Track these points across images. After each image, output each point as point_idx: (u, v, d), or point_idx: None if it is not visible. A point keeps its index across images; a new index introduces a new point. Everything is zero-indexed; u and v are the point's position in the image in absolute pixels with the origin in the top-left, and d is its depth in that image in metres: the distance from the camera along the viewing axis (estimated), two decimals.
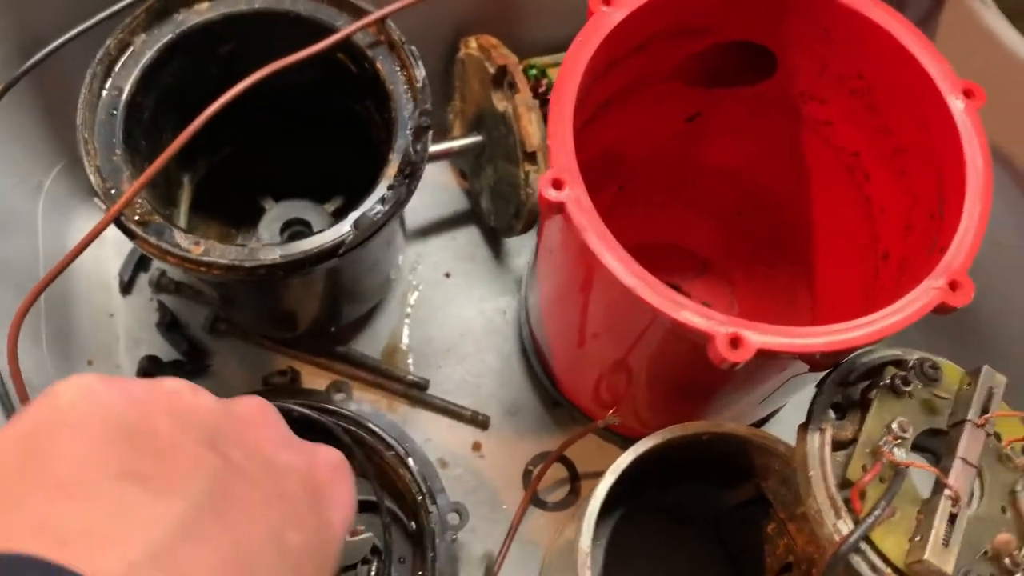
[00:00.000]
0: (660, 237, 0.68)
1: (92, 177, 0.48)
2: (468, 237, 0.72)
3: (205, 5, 0.53)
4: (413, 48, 0.52)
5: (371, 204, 0.49)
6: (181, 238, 0.48)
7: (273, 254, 0.47)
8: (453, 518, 0.57)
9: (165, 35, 0.52)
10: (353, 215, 0.48)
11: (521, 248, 0.71)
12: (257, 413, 0.32)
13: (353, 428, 0.56)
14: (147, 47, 0.52)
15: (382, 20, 0.52)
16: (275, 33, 0.54)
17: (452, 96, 0.69)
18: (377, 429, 0.56)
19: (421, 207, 0.72)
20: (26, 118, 0.60)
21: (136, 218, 0.48)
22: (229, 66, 0.54)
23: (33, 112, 0.60)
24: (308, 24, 0.54)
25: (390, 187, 0.49)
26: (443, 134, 0.71)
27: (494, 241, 0.71)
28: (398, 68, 0.53)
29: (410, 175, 0.49)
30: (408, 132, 0.50)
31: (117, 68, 0.51)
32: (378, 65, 0.53)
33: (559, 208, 0.42)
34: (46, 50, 0.49)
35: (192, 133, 0.46)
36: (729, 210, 0.65)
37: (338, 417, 0.56)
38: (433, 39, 0.66)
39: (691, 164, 0.63)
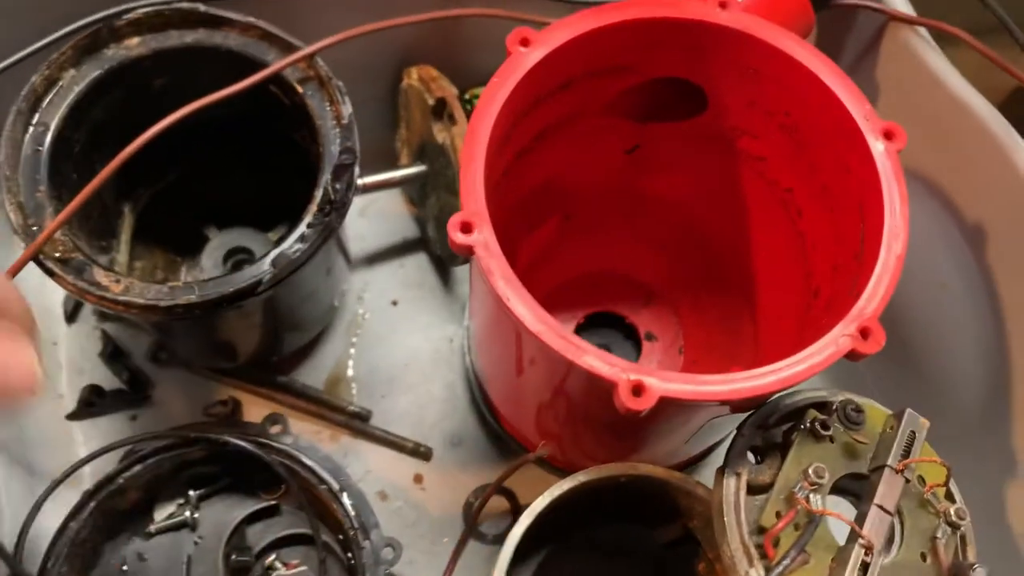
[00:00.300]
0: (606, 266, 0.68)
1: (12, 215, 0.48)
2: (416, 264, 0.71)
3: (135, 40, 0.53)
4: (340, 84, 0.52)
5: (291, 243, 0.48)
6: (101, 276, 0.48)
7: (191, 294, 0.47)
8: (387, 553, 0.57)
9: (94, 71, 0.52)
10: (272, 253, 0.48)
11: (467, 277, 0.71)
12: None
13: (287, 462, 0.56)
14: (75, 83, 0.52)
15: (311, 56, 0.52)
16: (206, 67, 0.54)
17: (399, 124, 0.69)
18: (311, 463, 0.56)
19: (370, 234, 0.71)
20: None
21: (56, 255, 0.48)
22: (162, 99, 0.54)
23: None
24: (239, 58, 0.54)
25: (309, 225, 0.49)
26: (392, 161, 0.71)
27: (442, 268, 0.71)
28: (327, 104, 0.53)
29: (331, 212, 0.49)
30: (330, 170, 0.50)
31: (44, 104, 0.51)
32: (307, 100, 0.53)
33: (468, 250, 0.41)
34: None
35: (102, 180, 0.47)
36: (674, 240, 0.65)
37: (272, 451, 0.56)
38: (378, 68, 0.66)
39: (635, 195, 0.63)
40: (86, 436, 0.63)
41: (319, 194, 0.49)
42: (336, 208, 0.49)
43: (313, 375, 0.66)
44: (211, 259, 0.65)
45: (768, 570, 0.41)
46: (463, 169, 0.43)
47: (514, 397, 0.59)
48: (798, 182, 0.52)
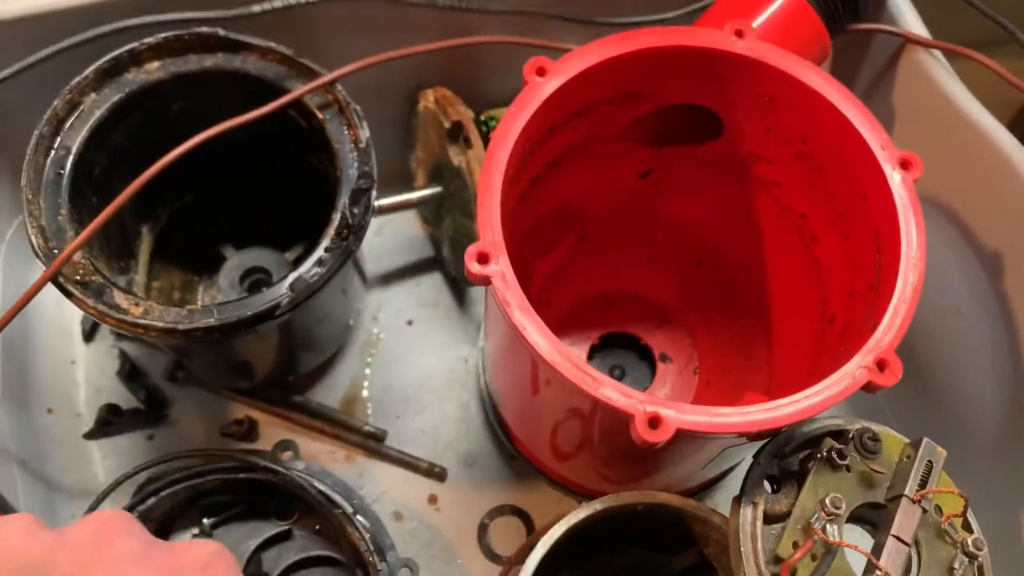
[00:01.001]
0: (621, 287, 0.68)
1: (33, 238, 0.48)
2: (432, 284, 0.72)
3: (155, 64, 0.54)
4: (358, 109, 0.53)
5: (308, 267, 0.49)
6: (120, 299, 0.48)
7: (210, 317, 0.47)
8: (404, 574, 0.57)
9: (115, 95, 0.53)
10: (290, 277, 0.48)
11: (483, 297, 0.71)
12: (100, 533, 0.30)
13: (300, 488, 0.56)
14: (97, 106, 0.53)
15: (332, 82, 0.52)
16: (225, 91, 0.54)
17: (414, 146, 0.69)
18: (324, 488, 0.56)
19: (385, 254, 0.72)
20: None
21: (76, 278, 0.48)
22: (181, 122, 0.55)
23: None
24: (257, 83, 0.54)
25: (327, 249, 0.49)
26: (408, 182, 0.71)
27: (457, 289, 0.71)
28: (345, 128, 0.53)
29: (348, 236, 0.49)
30: (348, 194, 0.50)
31: (66, 128, 0.52)
32: (326, 124, 0.53)
33: (485, 281, 0.42)
34: None
35: (120, 204, 0.47)
36: (689, 262, 0.65)
37: (284, 478, 0.56)
38: (395, 91, 0.66)
39: (649, 217, 0.63)
40: (103, 454, 0.64)
41: (337, 218, 0.50)
42: (354, 232, 0.49)
43: (329, 394, 0.67)
44: (228, 279, 0.65)
45: None
46: (480, 199, 0.43)
47: (528, 420, 0.59)
48: (813, 208, 0.52)
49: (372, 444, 0.65)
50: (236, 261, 0.66)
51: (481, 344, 0.67)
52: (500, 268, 0.41)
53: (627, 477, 0.57)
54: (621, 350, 0.67)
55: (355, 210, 0.49)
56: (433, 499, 0.64)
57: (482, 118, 0.66)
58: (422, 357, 0.69)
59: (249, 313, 0.47)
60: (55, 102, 0.51)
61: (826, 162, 0.49)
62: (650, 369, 0.67)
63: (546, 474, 0.63)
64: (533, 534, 0.63)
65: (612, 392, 0.39)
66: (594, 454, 0.55)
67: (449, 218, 0.65)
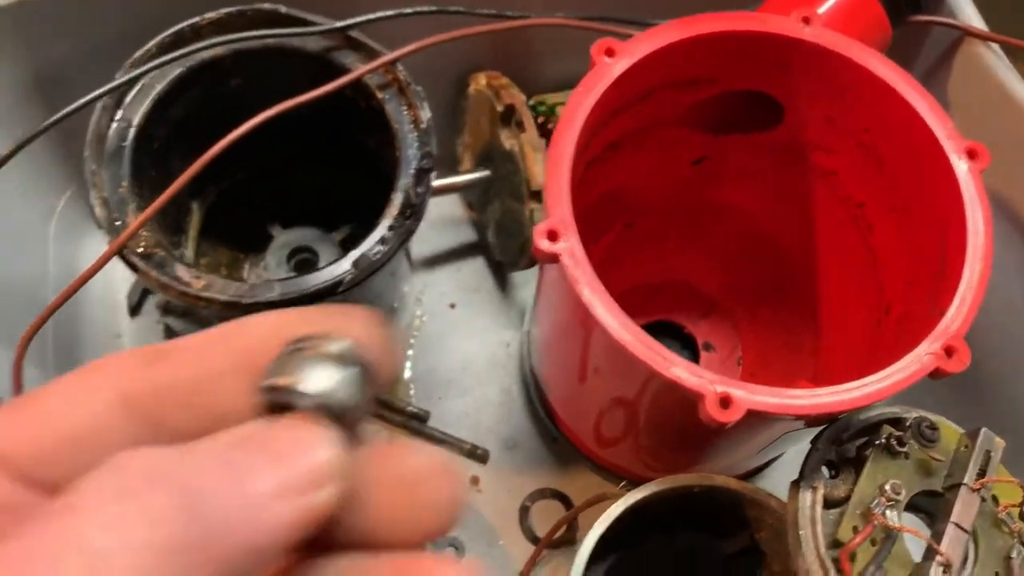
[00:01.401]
0: (667, 276, 0.68)
1: (97, 209, 0.49)
2: (474, 268, 0.72)
3: (215, 39, 0.54)
4: (420, 89, 0.53)
5: (371, 244, 0.49)
6: (183, 272, 0.48)
7: (272, 292, 0.47)
8: (450, 552, 0.57)
9: (176, 69, 0.53)
10: (353, 254, 0.48)
11: (527, 282, 0.71)
12: None
13: None
14: (158, 80, 0.53)
15: (392, 62, 0.53)
16: (284, 68, 0.55)
17: (462, 130, 0.69)
18: None
19: (429, 237, 0.72)
20: (41, 143, 0.61)
21: (140, 250, 0.49)
22: (238, 98, 0.55)
23: (47, 137, 0.61)
24: (317, 61, 0.54)
25: (390, 227, 0.49)
26: (453, 166, 0.71)
27: (500, 273, 0.71)
28: (404, 108, 0.53)
29: (411, 216, 0.50)
30: (410, 174, 0.50)
31: (127, 100, 0.52)
32: (385, 105, 0.53)
33: (553, 258, 0.42)
34: (70, 108, 0.49)
35: (192, 175, 0.47)
36: (736, 252, 0.65)
37: None
38: (444, 74, 0.67)
39: (699, 205, 0.63)
40: None
41: (399, 197, 0.50)
42: (415, 211, 0.50)
43: None
44: (275, 257, 0.65)
45: None
46: (548, 177, 0.43)
47: (577, 403, 0.59)
48: (872, 198, 0.52)
49: (415, 424, 0.64)
50: (283, 239, 0.66)
51: (526, 328, 0.67)
52: (570, 245, 0.41)
53: (674, 464, 0.57)
54: (665, 338, 0.67)
55: (418, 190, 0.49)
56: (475, 481, 0.64)
57: (531, 103, 0.66)
58: (464, 341, 0.69)
59: (312, 288, 0.47)
60: (118, 74, 0.51)
61: (888, 151, 0.49)
62: (693, 358, 0.67)
63: (590, 458, 0.63)
64: (568, 512, 0.63)
65: (683, 372, 0.39)
66: (644, 439, 0.55)
67: (497, 202, 0.65)
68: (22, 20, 0.54)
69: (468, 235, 0.73)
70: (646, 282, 0.67)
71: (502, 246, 0.67)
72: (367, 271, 0.48)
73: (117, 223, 0.49)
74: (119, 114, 0.52)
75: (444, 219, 0.73)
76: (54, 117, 0.48)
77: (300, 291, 0.47)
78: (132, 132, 0.52)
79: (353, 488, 0.21)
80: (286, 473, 0.19)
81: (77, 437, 0.21)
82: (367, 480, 0.22)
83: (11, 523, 0.18)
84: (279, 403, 0.21)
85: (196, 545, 0.17)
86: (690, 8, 0.49)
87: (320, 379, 0.21)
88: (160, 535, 0.17)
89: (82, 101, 0.49)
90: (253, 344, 0.22)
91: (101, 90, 0.49)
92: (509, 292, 0.71)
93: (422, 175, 0.50)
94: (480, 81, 0.64)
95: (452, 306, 0.70)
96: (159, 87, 0.53)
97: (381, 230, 0.49)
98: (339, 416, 0.21)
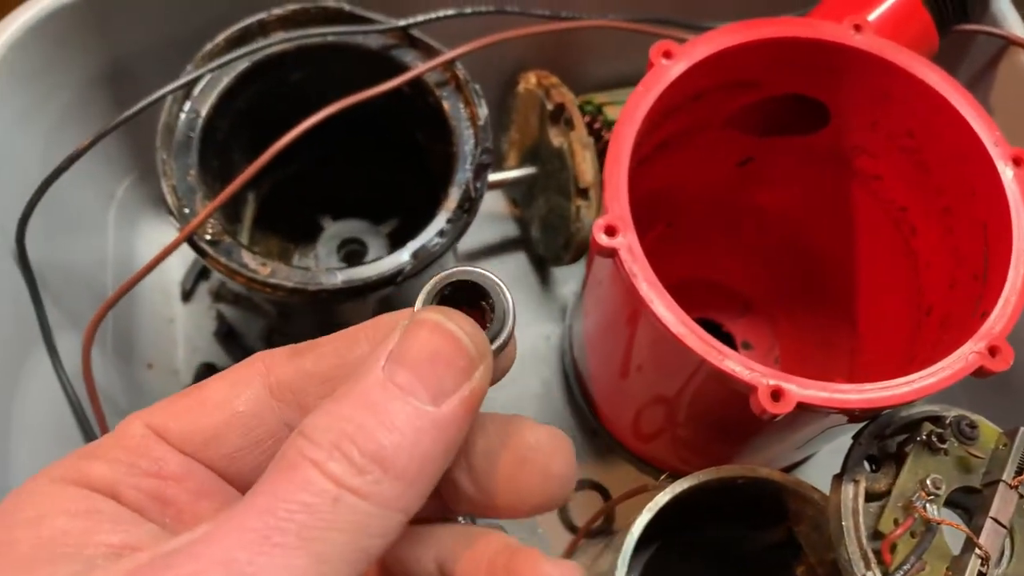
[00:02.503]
0: (705, 274, 0.69)
1: (168, 197, 0.51)
2: (516, 263, 0.74)
3: (280, 35, 0.56)
4: (477, 87, 0.54)
5: (430, 236, 0.51)
6: (249, 259, 0.50)
7: (335, 279, 0.49)
8: None
9: (243, 63, 0.55)
10: (412, 245, 0.50)
11: (568, 277, 0.73)
12: None
13: None
14: (224, 74, 0.55)
15: (451, 61, 0.54)
16: (344, 64, 0.56)
17: (508, 127, 0.71)
18: None
19: (473, 232, 0.72)
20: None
21: (208, 237, 0.51)
22: (298, 92, 0.57)
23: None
24: (376, 58, 0.56)
25: (449, 220, 0.51)
26: (498, 164, 0.73)
27: (541, 269, 0.73)
28: (462, 105, 0.55)
29: (468, 210, 0.51)
30: (469, 168, 0.52)
31: (195, 93, 0.54)
32: (444, 102, 0.55)
33: (611, 253, 0.43)
34: (141, 104, 0.51)
35: (262, 164, 0.49)
36: (776, 252, 0.67)
37: None
38: (493, 72, 0.68)
39: (740, 206, 0.64)
40: None
41: (457, 192, 0.52)
42: (472, 205, 0.51)
43: None
44: (326, 248, 0.67)
45: (887, 574, 0.42)
46: (607, 174, 0.45)
47: (618, 398, 0.61)
48: (914, 202, 0.53)
49: None
50: (333, 231, 0.68)
51: (568, 323, 0.69)
52: (627, 241, 0.43)
53: (711, 459, 0.58)
54: None
55: (477, 184, 0.51)
56: None
57: (578, 103, 0.67)
58: None
59: (374, 277, 0.49)
60: (188, 67, 0.53)
61: (933, 157, 0.50)
62: None
63: (628, 451, 0.64)
64: (609, 502, 0.64)
65: (737, 365, 0.41)
66: (684, 433, 0.57)
67: (542, 198, 0.67)
68: (98, 14, 0.56)
69: (511, 231, 0.75)
70: (685, 280, 0.69)
71: (546, 241, 0.68)
72: (425, 261, 0.50)
73: (186, 211, 0.51)
74: (187, 105, 0.54)
75: (488, 215, 0.74)
76: (132, 109, 0.50)
77: (363, 279, 0.49)
78: (200, 123, 0.54)
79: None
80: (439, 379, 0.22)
81: (236, 420, 0.25)
82: (488, 448, 0.24)
83: (192, 497, 0.23)
84: None
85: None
86: (739, 12, 0.51)
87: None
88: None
89: (157, 94, 0.51)
90: (384, 335, 0.24)
91: (175, 84, 0.51)
92: (550, 287, 0.73)
93: (481, 170, 0.52)
94: (530, 80, 0.65)
95: None
96: (225, 80, 0.55)
97: (439, 223, 0.51)
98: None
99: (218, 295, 0.69)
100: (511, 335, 0.25)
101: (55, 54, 0.56)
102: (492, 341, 0.24)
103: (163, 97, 0.51)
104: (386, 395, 0.21)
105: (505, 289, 0.24)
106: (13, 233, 0.52)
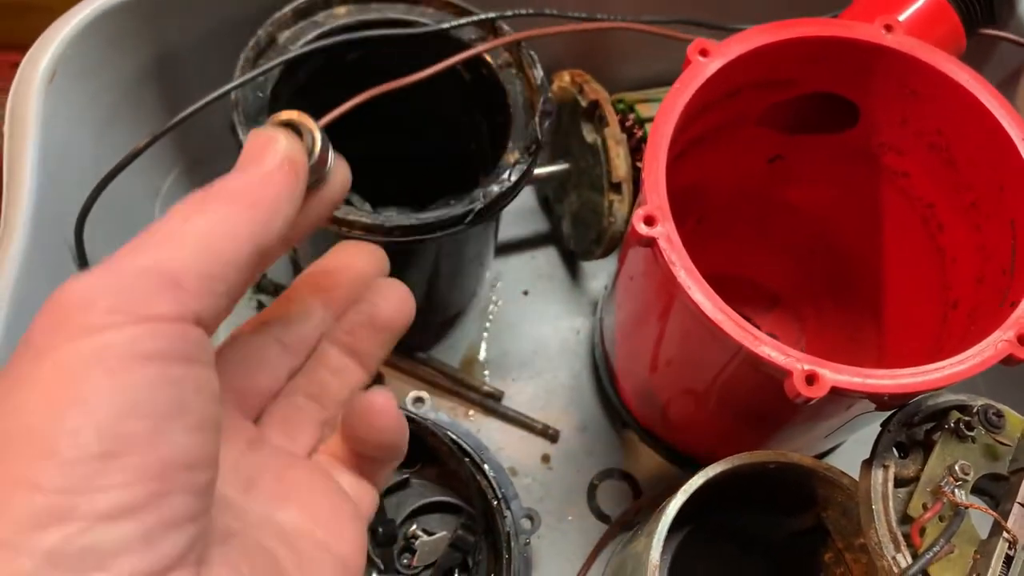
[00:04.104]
0: (734, 270, 0.71)
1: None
2: (547, 258, 0.75)
3: (343, 9, 0.57)
4: (532, 53, 0.56)
5: (498, 176, 0.52)
6: None
7: (408, 220, 0.50)
8: (526, 523, 0.60)
9: (308, 33, 0.56)
10: (480, 190, 0.51)
11: (598, 271, 0.74)
12: None
13: (432, 435, 0.59)
14: (290, 42, 0.56)
15: (515, 42, 0.55)
16: (400, 42, 0.58)
17: None
18: (455, 437, 0.60)
19: (505, 226, 0.75)
20: (151, 126, 0.65)
21: None
22: (354, 66, 0.58)
23: (159, 120, 0.65)
24: (433, 35, 0.57)
25: (516, 162, 0.52)
26: None
27: (572, 263, 0.75)
28: (514, 71, 0.56)
29: (533, 153, 0.53)
30: (534, 120, 0.54)
31: (263, 59, 0.55)
32: (497, 72, 0.56)
33: (650, 243, 0.45)
34: (192, 108, 0.51)
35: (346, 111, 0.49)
36: (803, 249, 0.68)
37: (420, 425, 0.59)
38: None
39: (769, 203, 0.66)
40: None
41: (521, 139, 0.53)
42: (538, 149, 0.53)
43: (448, 355, 0.71)
44: None
45: (916, 557, 0.43)
46: (647, 167, 0.46)
47: (650, 389, 0.62)
48: (942, 198, 0.55)
49: (490, 403, 0.68)
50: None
51: (598, 316, 0.70)
52: (666, 230, 0.45)
53: (743, 448, 0.60)
54: None
55: (544, 126, 0.53)
56: (546, 458, 0.67)
57: (610, 101, 0.69)
58: (537, 326, 0.72)
59: (446, 217, 0.50)
60: (259, 31, 0.54)
61: (961, 153, 0.52)
62: None
63: (659, 442, 0.66)
64: (641, 498, 0.66)
65: (772, 350, 0.42)
66: (717, 423, 0.58)
67: (575, 194, 0.69)
68: (149, 11, 0.58)
69: (542, 226, 0.76)
70: (714, 275, 0.69)
71: (577, 236, 0.70)
72: (493, 204, 0.51)
73: None
74: (256, 70, 0.54)
75: (520, 211, 0.76)
76: (192, 108, 0.51)
77: (435, 218, 0.50)
78: (268, 87, 0.54)
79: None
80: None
81: None
82: None
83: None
84: None
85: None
86: (771, 13, 0.52)
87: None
88: None
89: (223, 89, 0.51)
90: None
91: (245, 76, 0.52)
92: (580, 281, 0.74)
93: (545, 116, 0.53)
94: (564, 78, 0.67)
95: (525, 293, 0.74)
96: (293, 49, 0.55)
97: (505, 167, 0.52)
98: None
99: (259, 286, 0.71)
100: (323, 146, 0.31)
101: (107, 52, 0.58)
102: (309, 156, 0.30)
103: (226, 94, 0.52)
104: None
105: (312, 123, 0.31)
106: (71, 230, 0.54)
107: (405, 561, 0.60)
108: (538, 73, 0.55)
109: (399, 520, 0.61)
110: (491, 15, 0.56)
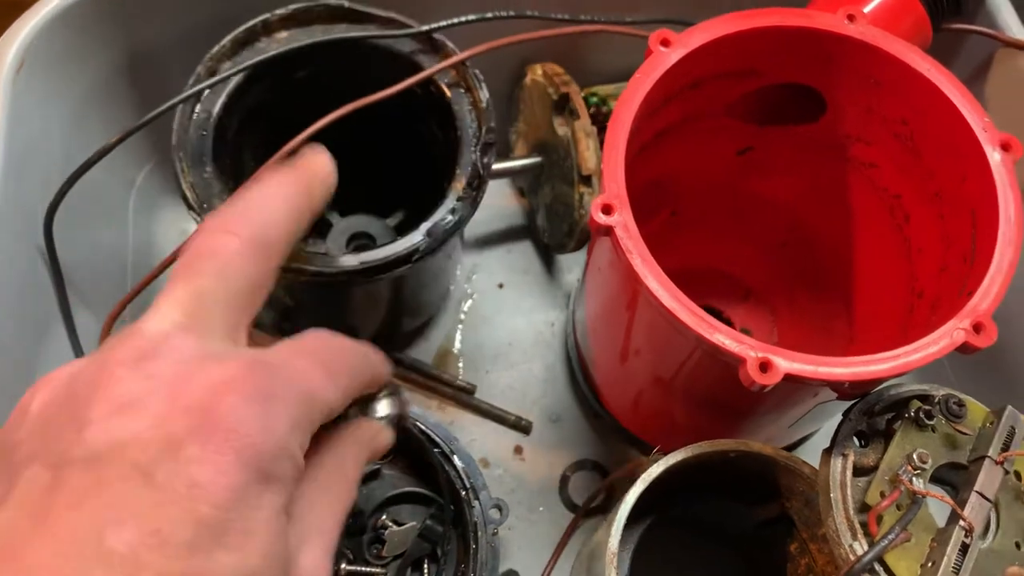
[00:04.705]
0: (707, 263, 0.71)
1: (188, 193, 0.52)
2: (523, 251, 0.75)
3: (284, 34, 0.58)
4: (477, 72, 0.56)
5: (442, 215, 0.52)
6: None
7: (354, 262, 0.51)
8: (495, 513, 0.60)
9: (249, 61, 0.56)
10: (425, 225, 0.52)
11: (572, 265, 0.75)
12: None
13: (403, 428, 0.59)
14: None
15: (462, 62, 0.56)
16: (350, 60, 0.58)
17: (516, 119, 0.73)
18: (425, 428, 0.60)
19: (481, 220, 0.75)
20: (125, 122, 0.65)
21: None
22: (302, 90, 0.59)
23: (132, 116, 0.65)
24: (380, 53, 0.58)
25: (459, 199, 0.53)
26: (506, 153, 0.75)
27: (547, 257, 0.75)
28: (463, 91, 0.57)
29: (477, 188, 0.53)
30: (475, 149, 0.54)
31: (206, 93, 0.55)
32: (446, 90, 0.57)
33: (607, 231, 0.45)
34: (164, 107, 0.53)
35: (295, 146, 0.50)
36: (774, 241, 0.68)
37: None
38: (501, 65, 0.70)
39: (740, 195, 0.66)
40: None
41: (465, 172, 0.53)
42: (481, 182, 0.53)
43: (423, 347, 0.71)
44: (336, 243, 0.69)
45: (872, 544, 0.44)
46: (605, 156, 0.46)
47: (619, 381, 0.62)
48: (908, 188, 0.55)
49: (463, 397, 0.68)
50: (342, 226, 0.70)
51: (571, 309, 0.70)
52: (623, 219, 0.45)
53: (712, 439, 0.60)
54: None
55: (484, 160, 0.53)
56: (518, 450, 0.68)
57: (583, 94, 0.69)
58: (511, 319, 0.72)
59: (392, 257, 0.51)
60: (198, 68, 0.55)
61: (925, 143, 0.52)
62: None
63: (631, 434, 0.66)
64: (605, 480, 0.66)
65: (725, 338, 0.42)
66: (682, 415, 0.58)
67: (548, 187, 0.69)
68: (118, 6, 0.58)
69: (517, 220, 0.77)
70: (687, 268, 0.70)
71: (551, 229, 0.70)
72: (439, 240, 0.52)
73: (205, 206, 0.53)
74: (199, 106, 0.55)
75: (496, 204, 0.76)
76: (154, 112, 0.52)
77: (380, 259, 0.51)
78: (212, 122, 0.55)
79: None
80: None
81: None
82: None
83: None
84: None
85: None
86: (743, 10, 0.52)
87: None
88: None
89: (171, 103, 0.53)
90: None
91: (184, 94, 0.53)
92: (555, 275, 0.74)
93: (487, 149, 0.54)
94: (536, 71, 0.67)
95: (500, 286, 0.74)
96: (234, 80, 0.56)
97: (450, 202, 0.53)
98: None
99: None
100: None
101: (76, 43, 0.58)
102: None
103: (179, 104, 0.53)
104: None
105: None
106: (40, 222, 0.54)
107: (375, 551, 0.60)
108: (483, 95, 0.56)
109: (369, 511, 0.61)
110: (426, 28, 0.57)
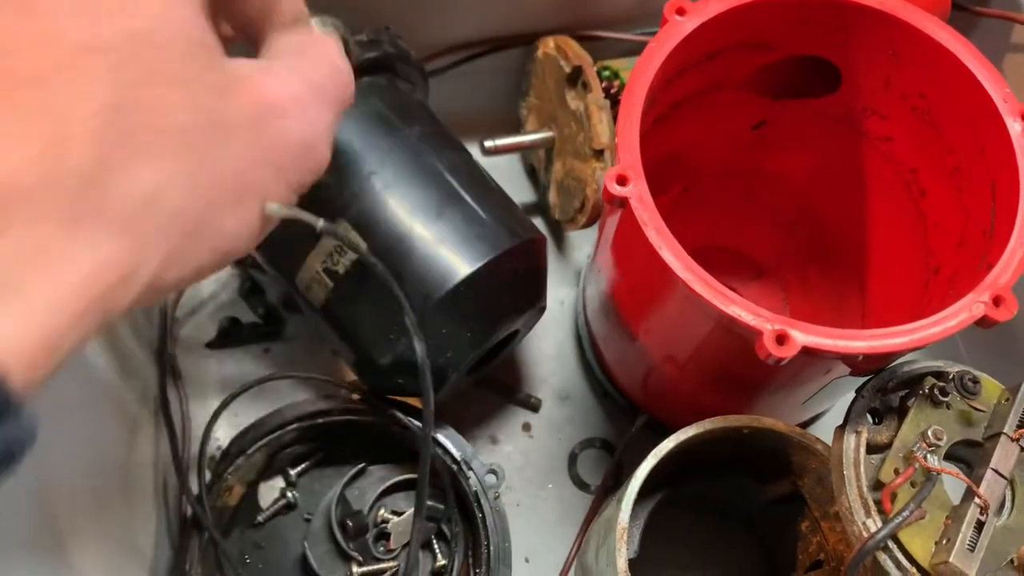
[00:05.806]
0: (719, 240, 0.70)
1: None
2: None
3: None
4: None
5: None
6: None
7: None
8: (491, 479, 0.59)
9: None
10: None
11: (583, 242, 0.74)
12: None
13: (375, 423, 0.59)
14: None
15: None
16: None
17: (527, 92, 0.72)
18: (399, 415, 0.58)
19: None
20: None
21: None
22: None
23: None
24: None
25: None
26: (517, 128, 0.74)
27: (558, 234, 0.74)
28: None
29: None
30: None
31: None
32: None
33: (622, 202, 0.44)
34: None
35: None
36: (787, 218, 0.67)
37: (361, 415, 0.59)
38: (513, 38, 0.69)
39: (753, 171, 0.65)
40: (220, 364, 0.68)
41: None
42: None
43: None
44: None
45: (886, 521, 0.43)
46: (620, 126, 0.46)
47: (631, 358, 0.62)
48: (924, 162, 0.54)
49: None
50: None
51: (581, 286, 0.70)
52: (638, 190, 0.44)
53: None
54: None
55: None
56: (527, 427, 0.67)
57: (596, 68, 0.68)
58: None
59: None
60: None
61: (943, 115, 0.51)
62: None
63: (641, 412, 0.65)
64: (614, 456, 0.65)
65: (742, 310, 0.42)
66: (696, 390, 0.58)
67: (559, 162, 0.68)
68: None
69: (527, 196, 0.76)
70: (698, 246, 0.69)
71: (562, 205, 0.69)
72: None
73: None
74: None
75: (507, 180, 0.74)
76: None
77: None
78: None
79: None
80: None
81: None
82: None
83: None
84: None
85: None
86: None
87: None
88: None
89: None
90: None
91: None
92: (565, 252, 0.74)
93: None
94: (548, 44, 0.66)
95: None
96: None
97: None
98: None
99: (242, 259, 0.70)
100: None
101: None
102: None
103: None
104: None
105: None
106: None
107: (382, 547, 0.59)
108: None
109: (366, 509, 0.60)
110: None
